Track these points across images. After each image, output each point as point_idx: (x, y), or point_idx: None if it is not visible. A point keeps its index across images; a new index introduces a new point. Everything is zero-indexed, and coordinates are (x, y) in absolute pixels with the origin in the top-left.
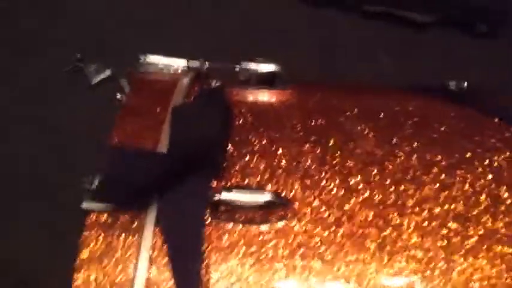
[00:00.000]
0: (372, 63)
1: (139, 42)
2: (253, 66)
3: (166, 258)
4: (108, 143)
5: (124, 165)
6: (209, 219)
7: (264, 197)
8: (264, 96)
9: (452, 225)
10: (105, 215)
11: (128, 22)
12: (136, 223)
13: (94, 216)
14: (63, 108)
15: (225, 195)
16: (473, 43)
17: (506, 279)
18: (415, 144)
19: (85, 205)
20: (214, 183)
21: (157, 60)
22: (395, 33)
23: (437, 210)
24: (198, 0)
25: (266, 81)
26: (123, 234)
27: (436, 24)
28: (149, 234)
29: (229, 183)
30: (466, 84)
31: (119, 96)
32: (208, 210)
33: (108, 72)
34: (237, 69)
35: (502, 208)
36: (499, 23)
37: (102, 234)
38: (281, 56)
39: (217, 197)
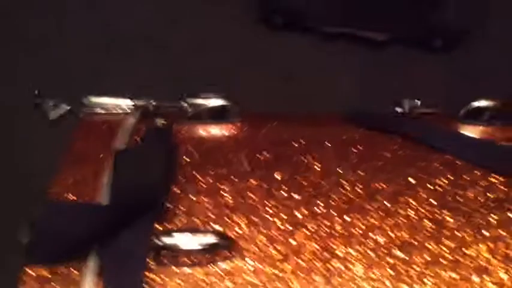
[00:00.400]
0: (332, 84)
1: (100, 71)
2: (200, 101)
3: None
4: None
5: (61, 218)
6: (152, 265)
7: (208, 239)
8: (213, 130)
9: (398, 253)
10: (43, 268)
11: (88, 51)
12: (75, 275)
13: (31, 270)
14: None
15: (167, 240)
16: (429, 58)
17: None
18: (360, 173)
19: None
20: (158, 227)
21: (102, 100)
22: (355, 53)
23: (382, 239)
24: (163, 19)
25: (216, 115)
26: None
27: (393, 41)
28: (89, 286)
29: (173, 226)
30: (419, 103)
31: None
32: (151, 255)
33: (66, 107)
34: (184, 105)
35: (446, 233)
36: (454, 38)
37: None
38: (240, 79)
39: (159, 242)
